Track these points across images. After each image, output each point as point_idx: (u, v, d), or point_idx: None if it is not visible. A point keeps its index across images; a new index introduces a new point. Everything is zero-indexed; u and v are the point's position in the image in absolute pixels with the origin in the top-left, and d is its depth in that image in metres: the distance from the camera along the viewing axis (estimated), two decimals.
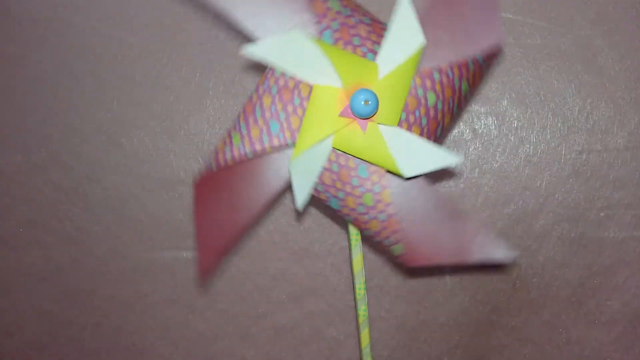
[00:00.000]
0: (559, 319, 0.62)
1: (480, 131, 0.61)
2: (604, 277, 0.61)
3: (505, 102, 0.61)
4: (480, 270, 0.62)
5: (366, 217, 0.48)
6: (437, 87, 0.46)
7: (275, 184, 0.48)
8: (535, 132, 0.61)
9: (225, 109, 0.63)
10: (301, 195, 0.47)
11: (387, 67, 0.45)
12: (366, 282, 0.61)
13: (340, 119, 0.45)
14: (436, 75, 0.46)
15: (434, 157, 0.45)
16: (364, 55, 0.46)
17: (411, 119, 0.46)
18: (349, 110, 0.45)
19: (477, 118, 0.61)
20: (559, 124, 0.60)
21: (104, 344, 0.66)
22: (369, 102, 0.43)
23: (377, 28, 0.47)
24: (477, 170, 0.61)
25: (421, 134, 0.47)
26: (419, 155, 0.45)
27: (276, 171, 0.48)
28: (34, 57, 0.65)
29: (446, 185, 0.62)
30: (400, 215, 0.47)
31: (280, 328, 0.65)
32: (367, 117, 0.45)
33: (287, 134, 0.46)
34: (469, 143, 0.61)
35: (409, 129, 0.46)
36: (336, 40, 0.46)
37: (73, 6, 0.64)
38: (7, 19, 0.65)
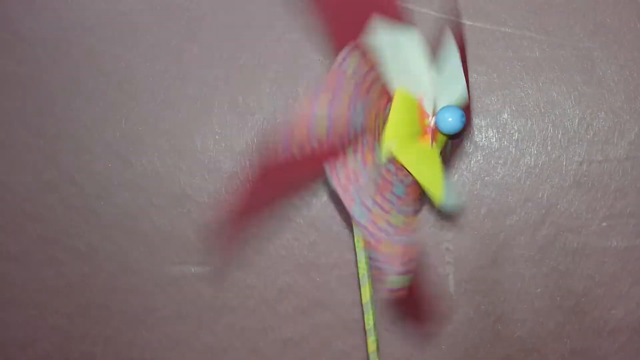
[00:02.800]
0: (564, 328, 0.62)
1: (481, 144, 0.62)
2: (608, 287, 0.61)
3: (506, 114, 0.61)
4: (484, 283, 0.63)
5: (383, 235, 0.45)
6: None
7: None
8: (536, 143, 0.61)
9: (230, 126, 0.64)
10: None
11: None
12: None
13: (421, 124, 0.44)
14: None
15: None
16: None
17: None
18: (431, 123, 0.44)
19: (478, 131, 0.62)
20: (560, 135, 0.61)
21: (114, 358, 0.67)
22: (452, 119, 0.43)
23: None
24: (479, 182, 0.62)
25: None
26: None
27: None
28: (45, 78, 0.67)
29: None
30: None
31: (288, 341, 0.66)
32: (452, 133, 0.44)
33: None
34: (470, 156, 0.62)
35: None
36: None
37: (82, 28, 0.66)
38: (19, 41, 0.67)
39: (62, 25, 0.66)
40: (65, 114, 0.66)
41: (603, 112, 0.60)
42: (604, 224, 0.61)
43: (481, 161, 0.62)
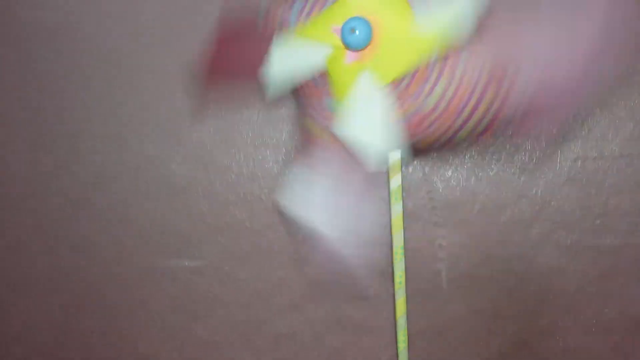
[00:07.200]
0: (556, 326, 0.62)
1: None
2: (601, 285, 0.61)
3: None
4: (477, 279, 0.63)
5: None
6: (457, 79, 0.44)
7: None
8: (530, 139, 0.61)
9: (227, 119, 0.65)
10: (274, 84, 0.47)
11: (422, 24, 0.41)
12: (361, 290, 0.62)
13: (331, 35, 0.43)
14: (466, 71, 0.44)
15: (376, 139, 0.43)
16: None
17: (407, 93, 0.44)
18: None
19: None
20: (554, 132, 0.61)
21: (109, 350, 0.68)
22: (356, 31, 0.40)
23: None
24: (473, 178, 0.62)
25: (405, 114, 0.45)
26: (366, 125, 0.43)
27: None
28: (42, 64, 0.67)
29: (443, 194, 0.62)
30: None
31: (280, 335, 0.66)
32: (353, 48, 0.41)
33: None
34: (464, 151, 0.62)
35: (400, 98, 0.44)
36: None
37: (81, 12, 0.66)
38: (17, 25, 0.67)
39: (61, 10, 0.67)
40: (62, 102, 0.67)
41: (598, 109, 0.60)
42: (598, 221, 0.61)
43: (475, 157, 0.62)
